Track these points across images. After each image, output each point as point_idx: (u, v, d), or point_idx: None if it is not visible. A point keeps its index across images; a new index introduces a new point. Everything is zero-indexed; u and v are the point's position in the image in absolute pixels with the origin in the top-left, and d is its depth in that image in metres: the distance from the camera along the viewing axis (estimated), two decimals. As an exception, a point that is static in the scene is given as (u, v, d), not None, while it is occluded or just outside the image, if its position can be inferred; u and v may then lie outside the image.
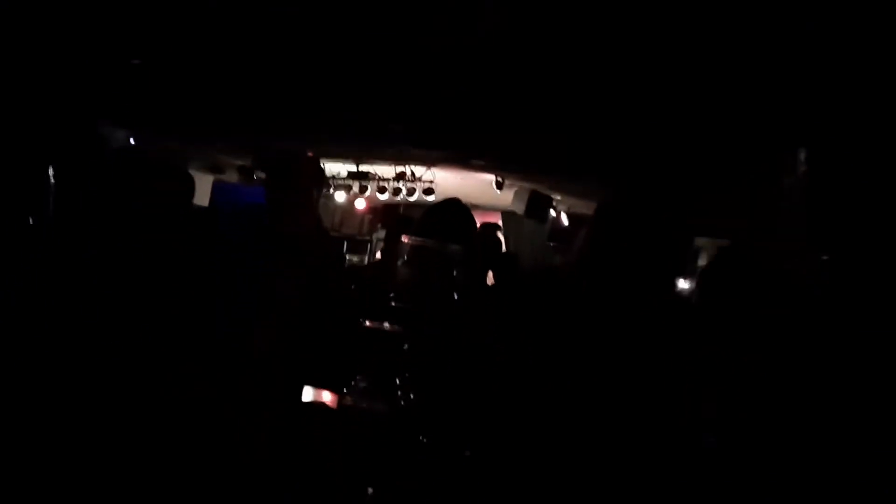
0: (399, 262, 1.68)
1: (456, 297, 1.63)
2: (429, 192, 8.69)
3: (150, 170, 2.79)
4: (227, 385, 2.04)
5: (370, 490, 1.39)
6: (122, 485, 1.53)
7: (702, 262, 10.04)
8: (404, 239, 1.67)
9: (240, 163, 9.51)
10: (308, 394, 2.09)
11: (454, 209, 2.68)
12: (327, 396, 2.09)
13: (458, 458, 1.55)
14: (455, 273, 1.65)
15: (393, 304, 1.60)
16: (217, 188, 9.48)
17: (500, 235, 5.63)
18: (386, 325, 1.55)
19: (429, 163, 8.32)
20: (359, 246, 10.57)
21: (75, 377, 1.85)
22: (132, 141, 7.35)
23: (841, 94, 3.55)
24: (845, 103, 3.66)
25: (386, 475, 1.44)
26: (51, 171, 2.06)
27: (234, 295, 2.82)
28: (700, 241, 9.00)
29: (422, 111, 5.85)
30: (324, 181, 3.23)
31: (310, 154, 3.18)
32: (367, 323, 1.53)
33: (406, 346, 1.56)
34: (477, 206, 9.44)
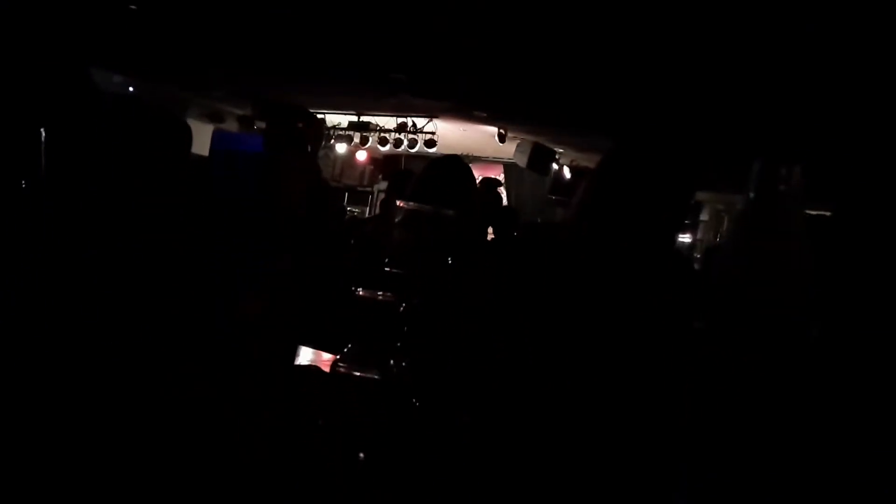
0: (395, 226, 1.67)
1: (450, 261, 1.63)
2: (430, 143, 8.62)
3: (146, 117, 2.76)
4: (221, 341, 2.05)
5: (361, 455, 1.41)
6: (122, 477, 1.55)
7: (704, 217, 9.99)
8: (399, 203, 1.66)
9: (240, 112, 9.42)
10: (305, 356, 2.10)
11: (453, 167, 2.64)
12: (326, 357, 2.10)
13: (452, 423, 1.57)
14: (450, 237, 1.64)
15: (387, 269, 1.60)
16: (217, 137, 9.41)
17: (501, 190, 5.61)
18: (380, 291, 1.55)
19: (431, 114, 8.23)
20: (360, 197, 10.53)
21: (69, 336, 1.85)
22: (130, 89, 7.27)
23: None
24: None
25: (378, 440, 1.46)
26: (42, 129, 2.03)
27: (231, 247, 2.81)
28: (702, 196, 8.99)
29: (425, 61, 5.77)
30: (322, 136, 3.20)
31: (305, 112, 3.15)
32: (361, 291, 1.53)
33: (400, 311, 1.56)
34: (479, 158, 9.38)
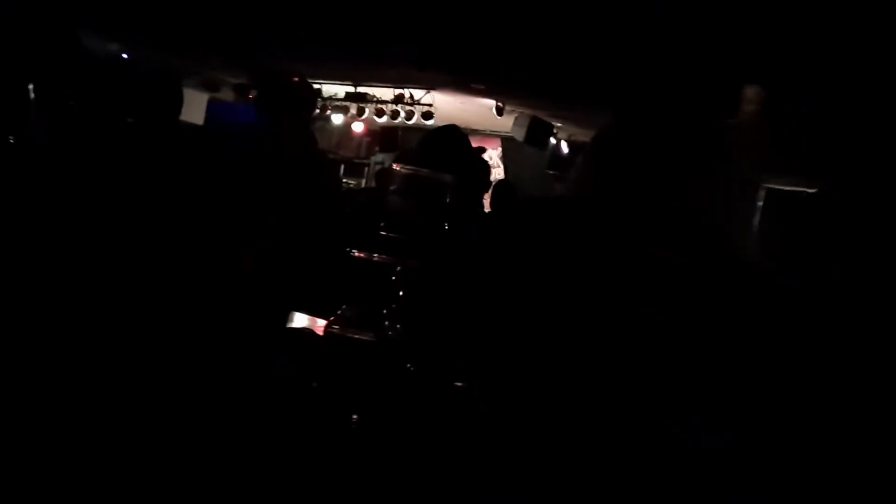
0: (391, 191, 1.65)
1: (447, 226, 1.61)
2: (427, 115, 8.56)
3: (135, 79, 2.73)
4: (217, 308, 2.04)
5: (355, 417, 1.40)
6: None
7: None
8: (396, 167, 1.64)
9: (235, 81, 9.33)
10: (298, 320, 2.09)
11: (451, 135, 2.63)
12: (319, 323, 2.09)
13: (446, 387, 1.56)
14: (447, 202, 1.62)
15: (383, 233, 1.58)
16: (212, 107, 9.33)
17: (487, 158, 5.59)
18: (376, 254, 1.53)
19: (429, 86, 8.16)
20: (356, 168, 10.48)
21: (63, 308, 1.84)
22: (125, 55, 7.18)
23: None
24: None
25: (372, 403, 1.45)
26: (31, 87, 2.00)
27: (226, 215, 2.78)
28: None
29: (424, 32, 5.70)
30: (315, 103, 3.16)
31: (297, 78, 3.10)
32: (356, 252, 1.51)
33: (395, 276, 1.54)
34: (476, 132, 9.33)
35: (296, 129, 3.08)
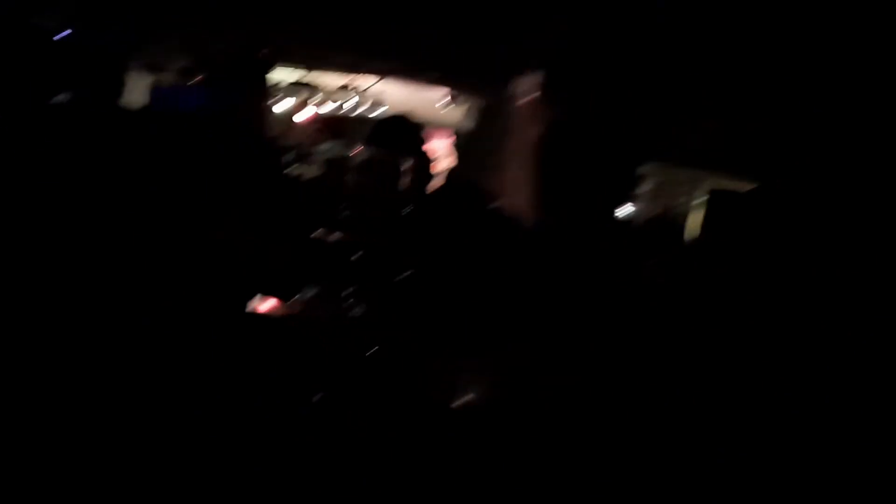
0: (348, 173, 1.65)
1: (404, 206, 1.61)
2: (376, 105, 8.54)
3: (75, 56, 2.67)
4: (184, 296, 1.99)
5: (316, 398, 1.40)
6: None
7: (648, 187, 10.24)
8: (356, 149, 1.64)
9: (181, 63, 9.10)
10: (255, 303, 2.06)
11: (403, 122, 2.67)
12: (272, 304, 2.06)
13: (406, 364, 1.56)
14: (402, 183, 1.63)
15: (342, 213, 1.57)
16: (156, 93, 9.07)
17: (450, 150, 5.62)
18: (334, 234, 1.52)
19: (378, 74, 8.12)
20: (302, 157, 10.35)
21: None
22: (67, 31, 6.94)
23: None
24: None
25: (334, 383, 1.44)
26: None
27: (178, 203, 2.72)
28: (644, 168, 9.15)
29: (378, 18, 5.67)
30: (266, 87, 3.14)
31: (263, 52, 3.07)
32: (315, 233, 1.50)
33: (354, 256, 1.54)
34: (427, 123, 9.31)
35: (247, 114, 3.04)
